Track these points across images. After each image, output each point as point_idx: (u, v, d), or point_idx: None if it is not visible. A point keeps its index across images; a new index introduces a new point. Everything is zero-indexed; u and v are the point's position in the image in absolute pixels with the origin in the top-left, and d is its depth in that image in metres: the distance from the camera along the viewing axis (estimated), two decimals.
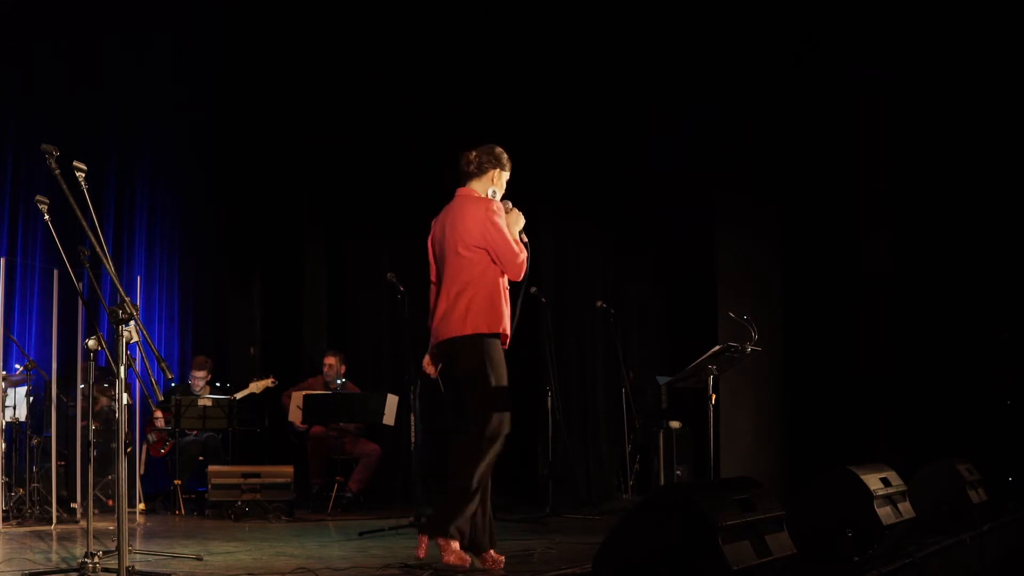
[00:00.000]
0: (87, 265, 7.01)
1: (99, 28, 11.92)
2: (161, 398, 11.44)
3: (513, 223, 6.86)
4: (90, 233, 5.84)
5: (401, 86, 12.70)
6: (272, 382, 11.81)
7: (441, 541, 6.55)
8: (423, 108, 12.62)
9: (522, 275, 6.79)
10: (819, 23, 11.10)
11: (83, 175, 5.97)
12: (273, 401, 12.04)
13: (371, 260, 12.57)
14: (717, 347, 8.16)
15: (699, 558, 4.80)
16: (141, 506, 10.52)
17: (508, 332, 6.77)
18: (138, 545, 8.01)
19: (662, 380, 10.44)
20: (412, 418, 9.62)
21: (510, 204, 6.94)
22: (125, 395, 5.91)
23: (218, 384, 11.89)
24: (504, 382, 6.67)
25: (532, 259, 6.91)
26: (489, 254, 6.71)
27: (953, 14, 10.67)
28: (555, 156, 12.07)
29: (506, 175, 6.98)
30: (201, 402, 11.21)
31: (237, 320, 13.86)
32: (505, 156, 6.97)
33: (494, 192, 6.92)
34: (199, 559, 7.29)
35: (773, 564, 5.17)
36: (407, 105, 12.69)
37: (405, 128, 12.71)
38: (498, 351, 6.71)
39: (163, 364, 5.99)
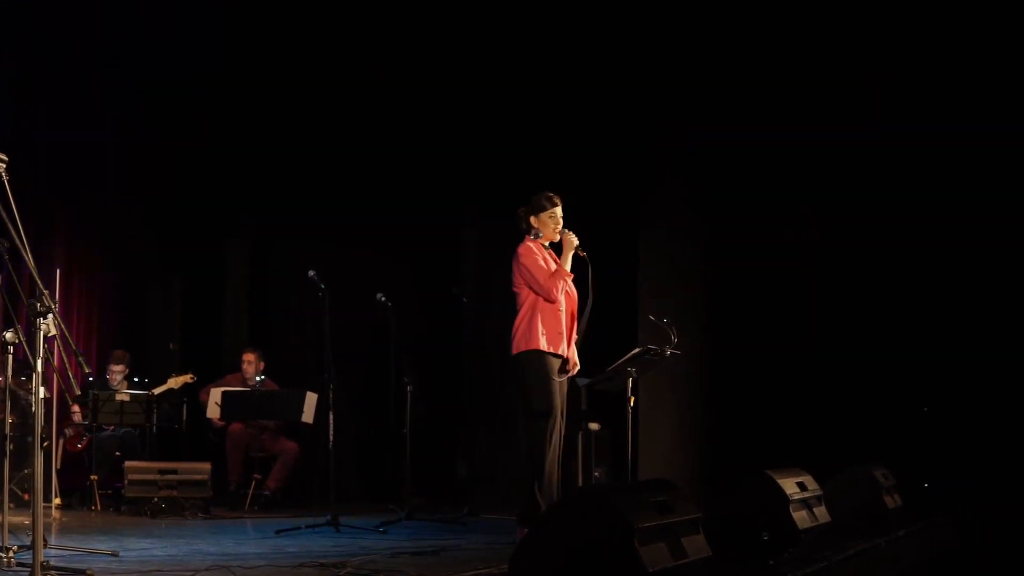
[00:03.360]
0: (6, 257, 6.93)
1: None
2: (78, 392, 11.34)
3: (567, 246, 8.20)
4: (10, 225, 5.78)
5: (326, 86, 12.64)
6: (191, 378, 11.72)
7: None
8: (350, 110, 12.58)
9: (552, 297, 8.16)
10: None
11: (3, 166, 5.91)
12: (191, 397, 11.95)
13: (293, 258, 12.52)
14: (637, 349, 8.19)
15: (615, 560, 4.83)
16: (57, 501, 10.41)
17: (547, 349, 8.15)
18: (53, 540, 7.91)
19: (581, 382, 10.42)
20: (331, 416, 9.60)
21: (567, 231, 8.21)
22: (42, 388, 5.86)
23: (136, 379, 11.79)
24: None
25: (457, 260, 7.11)
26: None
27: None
28: (481, 154, 12.09)
29: (545, 213, 8.25)
30: (119, 397, 11.13)
31: (157, 315, 13.74)
32: (542, 199, 8.27)
33: (536, 233, 8.29)
34: (115, 555, 7.24)
35: (689, 566, 5.21)
36: (333, 106, 12.65)
37: (330, 129, 12.66)
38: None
39: (80, 358, 5.95)
